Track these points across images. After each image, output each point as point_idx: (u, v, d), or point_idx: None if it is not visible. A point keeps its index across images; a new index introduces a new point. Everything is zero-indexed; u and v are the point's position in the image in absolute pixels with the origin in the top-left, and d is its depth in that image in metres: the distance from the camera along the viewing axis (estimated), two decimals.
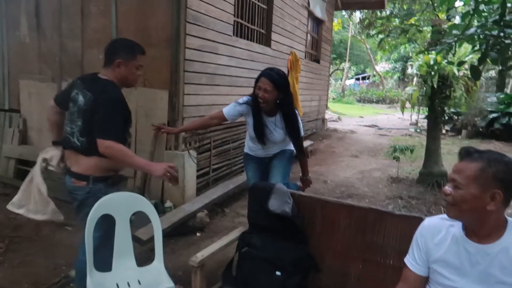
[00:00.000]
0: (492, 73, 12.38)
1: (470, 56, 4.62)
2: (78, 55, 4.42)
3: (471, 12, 2.52)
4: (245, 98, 2.94)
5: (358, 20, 16.60)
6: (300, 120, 2.95)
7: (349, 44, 25.62)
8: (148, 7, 3.99)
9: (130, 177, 4.16)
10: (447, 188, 1.38)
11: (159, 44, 3.97)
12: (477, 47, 2.82)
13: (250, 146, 3.11)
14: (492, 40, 2.72)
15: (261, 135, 2.87)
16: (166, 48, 3.93)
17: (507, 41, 2.63)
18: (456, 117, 4.91)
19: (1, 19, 4.86)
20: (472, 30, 2.62)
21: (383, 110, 21.97)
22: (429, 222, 1.57)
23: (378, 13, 12.47)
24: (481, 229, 1.38)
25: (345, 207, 2.01)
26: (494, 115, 9.82)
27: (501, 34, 2.70)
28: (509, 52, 2.91)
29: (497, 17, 2.91)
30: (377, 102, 27.79)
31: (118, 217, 2.15)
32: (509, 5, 3.05)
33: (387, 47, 14.05)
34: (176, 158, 3.99)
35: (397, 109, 21.87)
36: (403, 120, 14.46)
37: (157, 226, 2.18)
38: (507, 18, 2.94)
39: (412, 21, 11.37)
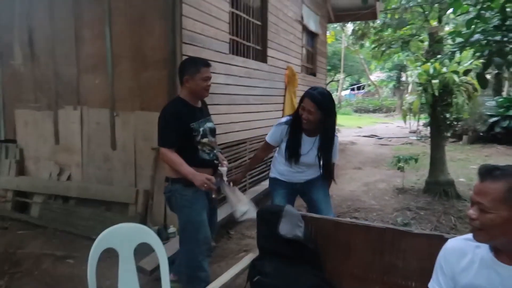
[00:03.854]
0: (488, 76, 12.41)
1: (470, 62, 4.58)
2: (74, 81, 4.36)
3: (475, 19, 2.47)
4: (283, 119, 2.87)
5: (350, 31, 16.70)
6: (337, 146, 2.85)
7: (343, 55, 25.78)
8: (143, 29, 3.94)
9: (132, 203, 4.05)
10: (473, 213, 1.28)
11: (156, 65, 3.92)
12: (478, 53, 2.77)
13: (281, 170, 2.91)
14: (495, 45, 2.68)
15: (294, 152, 2.74)
16: (162, 69, 3.87)
17: (511, 46, 2.59)
18: (456, 123, 4.89)
19: None
20: (476, 36, 2.57)
21: (381, 119, 21.99)
22: (452, 244, 1.45)
23: (371, 24, 12.54)
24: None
25: (360, 227, 1.91)
26: (494, 119, 9.80)
27: (504, 39, 2.66)
28: (511, 57, 2.86)
29: (497, 22, 2.88)
30: (374, 111, 27.87)
31: (122, 250, 2.04)
32: (508, 9, 3.02)
33: (381, 56, 14.12)
34: None
35: (395, 117, 21.91)
36: (402, 128, 14.42)
37: (163, 258, 2.06)
38: (508, 23, 2.90)
39: (405, 29, 11.46)
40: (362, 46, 16.25)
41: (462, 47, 2.66)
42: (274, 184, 2.97)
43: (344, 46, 25.16)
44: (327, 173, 2.88)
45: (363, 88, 39.21)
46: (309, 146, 2.75)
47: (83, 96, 4.36)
